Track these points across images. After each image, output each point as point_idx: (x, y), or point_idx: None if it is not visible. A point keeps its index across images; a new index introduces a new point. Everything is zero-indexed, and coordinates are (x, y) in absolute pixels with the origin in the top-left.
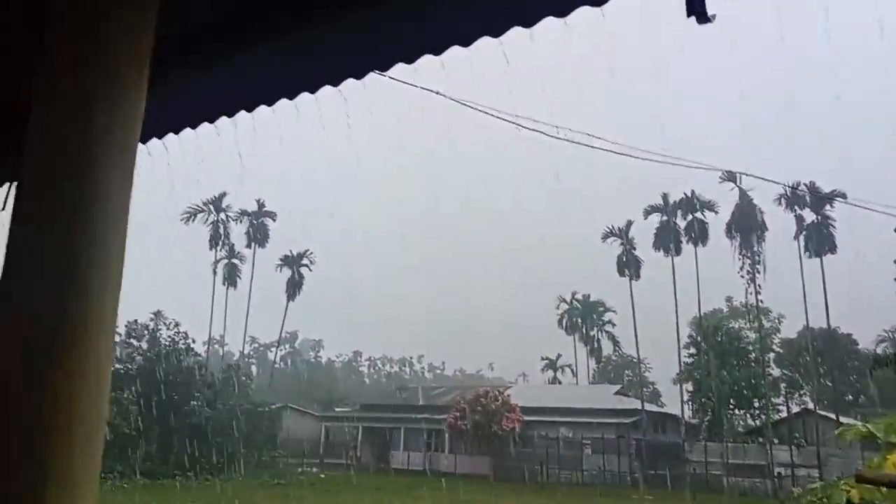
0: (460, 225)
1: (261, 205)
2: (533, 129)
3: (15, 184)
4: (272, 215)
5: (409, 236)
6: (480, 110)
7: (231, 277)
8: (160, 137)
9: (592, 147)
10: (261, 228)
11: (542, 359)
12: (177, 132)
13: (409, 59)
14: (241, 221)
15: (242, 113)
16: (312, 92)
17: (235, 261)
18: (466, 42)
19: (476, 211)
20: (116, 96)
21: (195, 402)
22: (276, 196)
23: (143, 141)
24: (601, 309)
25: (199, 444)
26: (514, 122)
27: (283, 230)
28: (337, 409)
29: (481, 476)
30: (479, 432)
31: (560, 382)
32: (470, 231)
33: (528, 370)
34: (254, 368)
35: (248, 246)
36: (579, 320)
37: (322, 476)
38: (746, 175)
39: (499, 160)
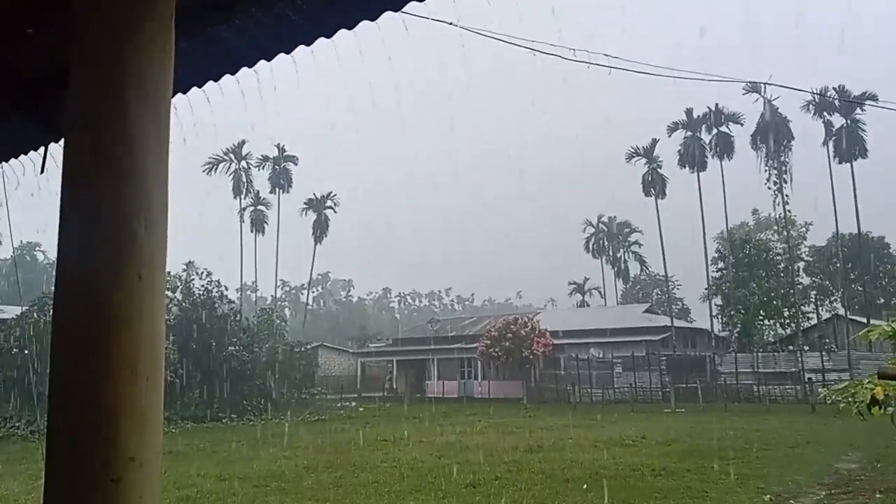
0: (482, 156)
1: (281, 150)
2: (549, 54)
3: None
4: (293, 160)
5: (431, 171)
6: (495, 38)
7: (258, 224)
8: (184, 92)
9: (612, 68)
10: (283, 174)
11: (570, 283)
12: (200, 85)
13: None
14: (262, 168)
15: (260, 65)
16: (328, 36)
17: (261, 207)
18: None
19: (497, 141)
20: (146, 52)
21: (233, 347)
22: (298, 142)
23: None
24: (627, 230)
25: (239, 387)
26: (529, 48)
27: (306, 175)
28: (371, 346)
29: (514, 400)
30: (510, 358)
31: (588, 305)
32: (492, 161)
33: (556, 296)
34: (287, 311)
35: (272, 192)
36: (605, 242)
37: (360, 409)
38: (771, 85)
39: (517, 89)
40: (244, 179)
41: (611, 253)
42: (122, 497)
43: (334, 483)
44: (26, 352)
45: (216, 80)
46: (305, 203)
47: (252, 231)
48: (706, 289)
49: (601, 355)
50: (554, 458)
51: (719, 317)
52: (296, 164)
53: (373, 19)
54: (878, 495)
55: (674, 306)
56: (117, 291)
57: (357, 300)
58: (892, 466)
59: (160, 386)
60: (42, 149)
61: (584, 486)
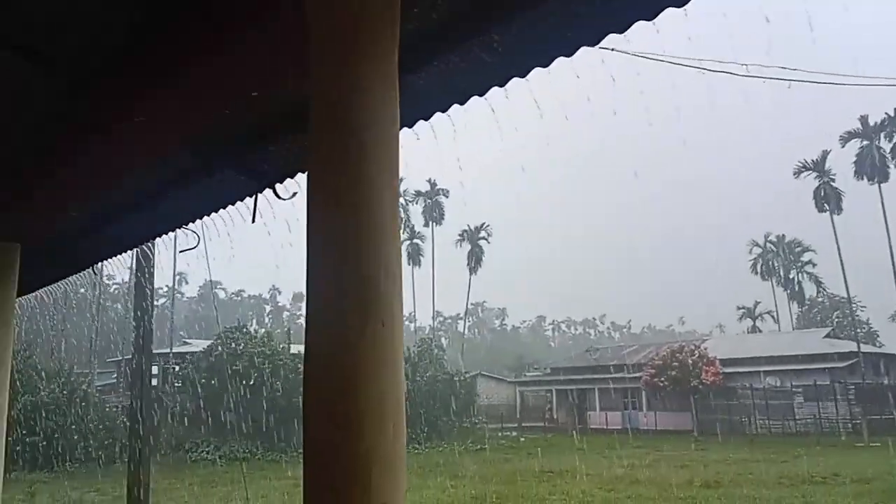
0: (637, 178)
1: (433, 184)
2: (720, 71)
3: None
4: (445, 192)
5: (584, 198)
6: (660, 60)
7: (415, 257)
8: (410, 126)
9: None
10: (436, 206)
11: (738, 308)
12: (427, 118)
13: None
14: (416, 202)
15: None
16: (523, 76)
17: (417, 241)
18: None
19: (653, 161)
20: (377, 90)
21: (404, 390)
22: (452, 174)
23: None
24: (799, 249)
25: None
26: (697, 67)
27: (457, 208)
28: (528, 374)
29: (683, 431)
30: (676, 388)
31: (760, 331)
32: (649, 183)
33: (723, 321)
34: (444, 340)
35: (426, 225)
36: (776, 263)
37: (522, 439)
38: None
39: (681, 106)
40: (402, 215)
41: (781, 274)
42: None
43: None
44: (212, 382)
45: (444, 111)
46: (460, 235)
47: (409, 264)
48: None
49: (778, 384)
50: (734, 495)
51: None
52: (447, 197)
53: (569, 55)
54: None
55: (859, 330)
56: (363, 339)
57: (511, 328)
58: None
59: (403, 432)
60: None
61: None
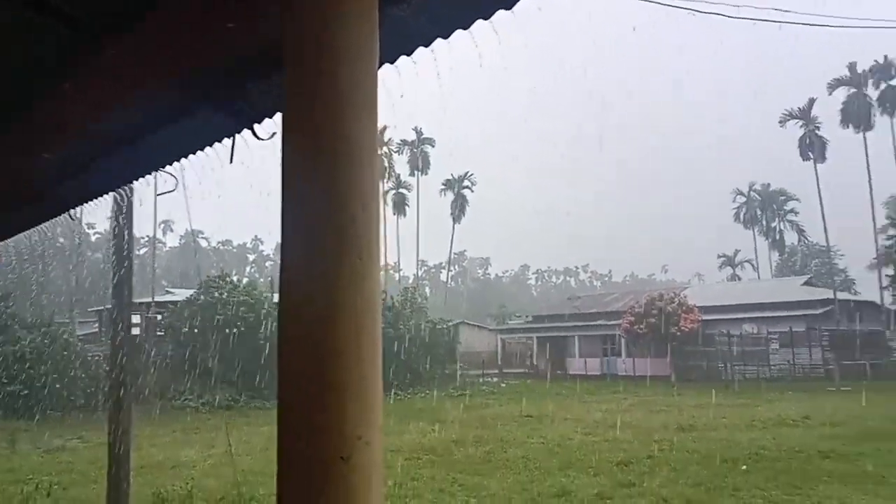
0: (624, 123)
1: (419, 133)
2: (710, 13)
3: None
4: (431, 142)
5: (567, 145)
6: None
7: (400, 206)
8: (392, 62)
9: (777, 21)
10: (422, 156)
11: (719, 256)
12: (409, 53)
13: None
14: (402, 152)
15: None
16: (486, 18)
17: (402, 190)
18: None
19: (639, 107)
20: (354, 25)
21: (380, 325)
22: (434, 125)
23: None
24: (783, 198)
25: (386, 363)
26: (686, 8)
27: (443, 157)
28: (510, 322)
29: (661, 378)
30: (655, 335)
31: (740, 279)
32: (631, 131)
33: (704, 270)
34: (427, 289)
35: (412, 174)
36: (759, 212)
37: (503, 385)
38: None
39: (664, 51)
40: (386, 164)
41: (764, 223)
42: (351, 474)
43: (484, 458)
44: (195, 331)
45: (427, 45)
46: (443, 184)
47: (394, 213)
48: (874, 258)
49: (755, 331)
50: (709, 438)
51: (890, 288)
52: (433, 147)
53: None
54: None
55: (836, 278)
56: (340, 273)
57: (494, 277)
58: None
59: (380, 366)
60: (226, 139)
61: (744, 468)
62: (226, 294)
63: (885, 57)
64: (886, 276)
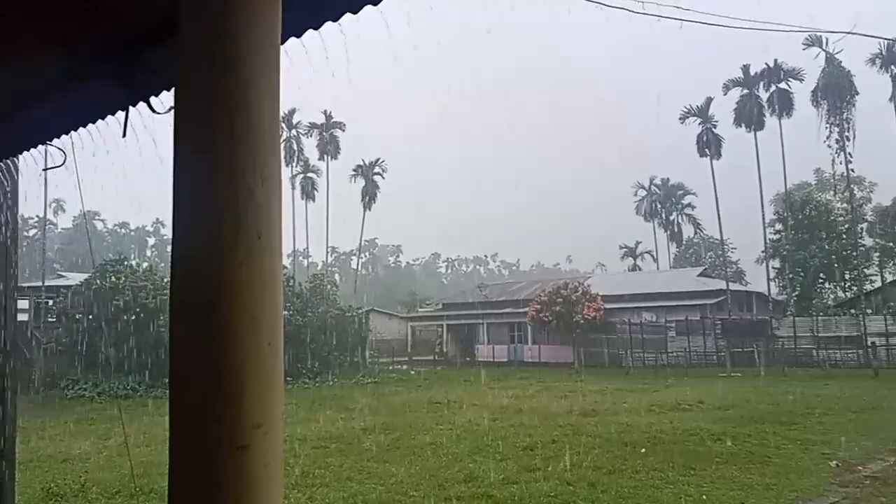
0: (530, 117)
1: (328, 116)
2: (617, 7)
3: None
4: (341, 126)
5: (477, 135)
6: None
7: (308, 191)
8: (298, 35)
9: (683, 20)
10: (331, 140)
11: (621, 247)
12: (316, 27)
13: None
14: (311, 135)
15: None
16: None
17: (311, 174)
18: None
19: (547, 99)
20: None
21: (286, 312)
22: (343, 109)
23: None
24: (681, 192)
25: (293, 351)
26: (597, 2)
27: (353, 142)
28: (420, 310)
29: (566, 364)
30: (560, 323)
31: (640, 269)
32: (540, 123)
33: (607, 260)
34: (337, 276)
35: (321, 158)
36: (658, 205)
37: (412, 372)
38: (836, 32)
39: (572, 44)
40: (295, 147)
41: (663, 216)
42: (249, 464)
43: (392, 444)
44: (90, 317)
45: (335, 20)
46: (354, 170)
47: (303, 198)
48: (763, 251)
49: (654, 319)
50: (610, 422)
51: (777, 280)
52: (343, 131)
53: None
54: None
55: (729, 270)
56: (237, 252)
57: (405, 265)
58: None
59: (280, 350)
60: (120, 112)
61: (643, 451)
62: (123, 279)
63: (775, 60)
64: (773, 268)
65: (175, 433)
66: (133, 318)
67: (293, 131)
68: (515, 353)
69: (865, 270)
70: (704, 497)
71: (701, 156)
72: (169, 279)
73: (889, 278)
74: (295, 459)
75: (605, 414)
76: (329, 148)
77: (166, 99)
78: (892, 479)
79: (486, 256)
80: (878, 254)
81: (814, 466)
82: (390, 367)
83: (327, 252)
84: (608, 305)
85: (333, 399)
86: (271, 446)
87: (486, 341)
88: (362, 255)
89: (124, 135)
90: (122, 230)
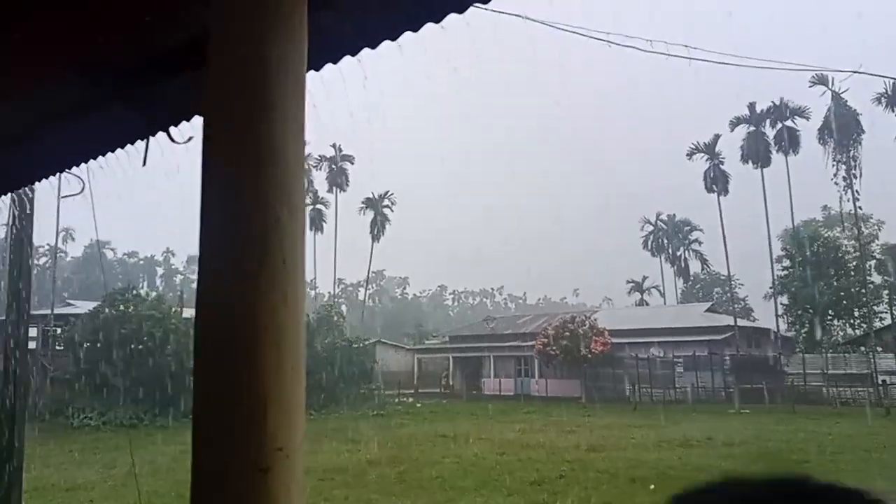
0: (539, 152)
1: (338, 149)
2: (626, 45)
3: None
4: (350, 159)
5: (487, 169)
6: (570, 30)
7: (317, 223)
8: (317, 69)
9: (691, 59)
10: (340, 173)
11: (628, 282)
12: (336, 61)
13: None
14: (320, 168)
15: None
16: (460, 12)
17: (320, 206)
18: None
19: (553, 137)
20: (283, 27)
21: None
22: (354, 142)
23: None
24: (687, 228)
25: None
26: (605, 39)
27: (362, 174)
28: (427, 342)
29: (572, 398)
30: (567, 357)
31: (647, 304)
32: (548, 159)
33: (613, 295)
34: (344, 308)
35: (330, 191)
36: (665, 241)
37: (418, 405)
38: (842, 71)
39: (575, 81)
40: (305, 178)
41: (670, 251)
42: (271, 487)
43: (398, 478)
44: (98, 345)
45: (353, 54)
46: (363, 202)
47: (311, 230)
48: (771, 287)
49: (662, 355)
50: (617, 458)
51: (785, 316)
52: (352, 164)
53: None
54: None
55: (736, 306)
56: (262, 276)
57: (412, 297)
58: None
59: (303, 374)
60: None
61: (652, 487)
62: (131, 308)
63: (781, 99)
64: (781, 304)
65: (199, 455)
66: (140, 347)
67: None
68: (522, 387)
69: (875, 307)
70: None
71: (708, 192)
72: (180, 309)
73: None
74: None
75: (613, 449)
76: (338, 180)
77: (184, 129)
78: None
79: (492, 289)
80: (886, 291)
81: None
82: (396, 400)
83: (335, 283)
84: (615, 340)
85: (339, 431)
86: (293, 469)
87: (492, 374)
88: (370, 286)
89: (144, 163)
90: (132, 259)
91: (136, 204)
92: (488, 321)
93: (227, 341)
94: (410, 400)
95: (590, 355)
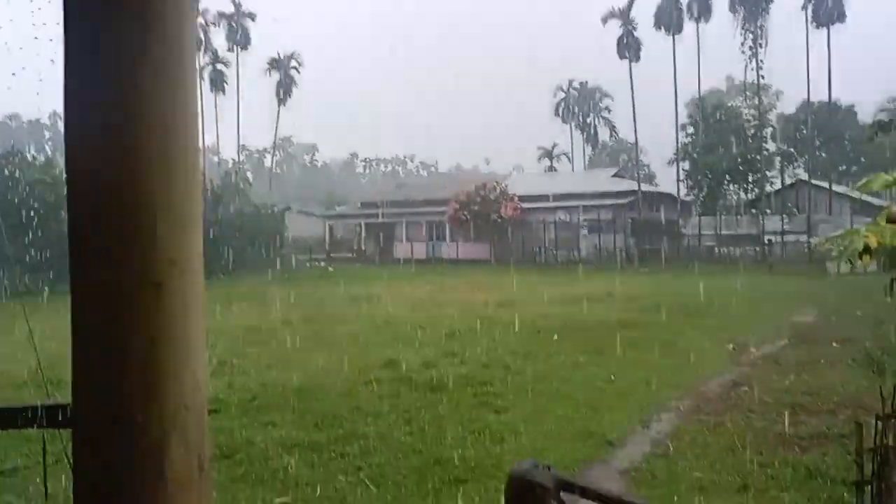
0: (450, 17)
1: (237, 5)
2: None
3: None
4: (252, 16)
5: (397, 32)
6: None
7: (218, 83)
8: None
9: None
10: (241, 30)
11: (538, 148)
12: None
13: None
14: (219, 25)
15: None
16: None
17: (220, 66)
18: None
19: (467, 3)
20: None
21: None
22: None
23: None
24: (598, 95)
25: (207, 248)
26: None
27: (267, 34)
28: (338, 208)
29: (482, 261)
30: (478, 221)
31: (556, 170)
32: (460, 23)
33: (524, 163)
34: (250, 174)
35: (230, 49)
36: (576, 108)
37: (330, 269)
38: None
39: None
40: (201, 36)
41: (581, 119)
42: (165, 303)
43: (313, 335)
44: None
45: None
46: (268, 63)
47: (212, 90)
48: (674, 154)
49: (568, 219)
50: (525, 313)
51: (686, 181)
52: (253, 21)
53: None
54: (834, 344)
55: (641, 171)
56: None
57: (322, 164)
58: (846, 320)
59: (199, 183)
60: None
61: (555, 337)
62: (19, 172)
63: None
64: (683, 170)
65: (80, 268)
66: (30, 213)
67: (199, 19)
68: (434, 251)
69: (768, 173)
70: (612, 377)
71: (621, 58)
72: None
73: (788, 181)
74: (210, 350)
75: (521, 305)
76: (238, 38)
77: None
78: (782, 360)
79: (404, 157)
80: (779, 158)
81: (713, 349)
82: (308, 265)
83: (239, 148)
84: (525, 205)
85: (249, 294)
86: (188, 285)
87: (404, 239)
88: (276, 153)
89: None
90: (12, 122)
91: (13, 60)
92: (401, 187)
93: (104, 146)
94: (322, 264)
95: (500, 220)
